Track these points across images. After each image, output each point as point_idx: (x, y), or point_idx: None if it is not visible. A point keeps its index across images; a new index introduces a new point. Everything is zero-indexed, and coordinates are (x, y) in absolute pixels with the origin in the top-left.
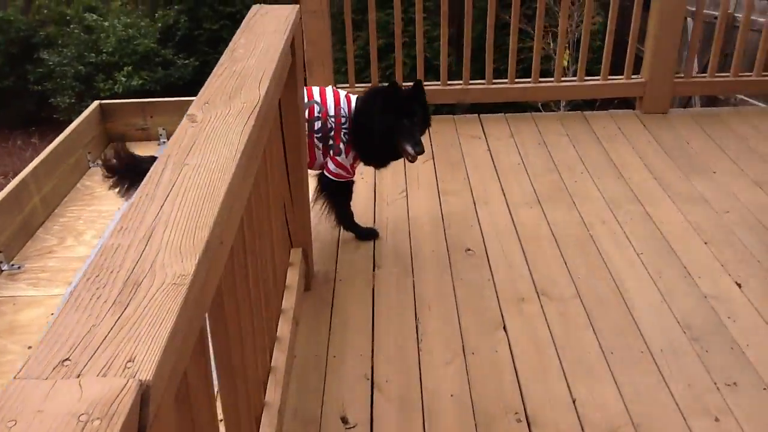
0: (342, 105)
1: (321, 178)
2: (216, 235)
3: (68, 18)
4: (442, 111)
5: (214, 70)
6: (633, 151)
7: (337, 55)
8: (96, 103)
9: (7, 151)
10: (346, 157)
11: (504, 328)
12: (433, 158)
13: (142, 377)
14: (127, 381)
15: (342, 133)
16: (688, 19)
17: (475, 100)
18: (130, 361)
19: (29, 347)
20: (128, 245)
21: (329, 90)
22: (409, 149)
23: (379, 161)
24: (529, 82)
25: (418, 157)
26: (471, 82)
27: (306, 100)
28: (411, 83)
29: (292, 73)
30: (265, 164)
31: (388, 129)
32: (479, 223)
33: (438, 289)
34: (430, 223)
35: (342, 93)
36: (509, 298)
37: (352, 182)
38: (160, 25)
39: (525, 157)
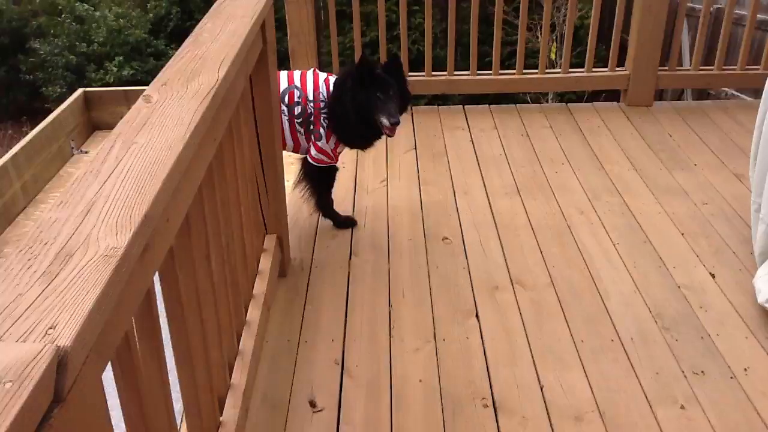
0: (321, 89)
1: (303, 163)
2: (157, 211)
3: (60, 8)
4: (420, 102)
5: (177, 53)
6: (615, 143)
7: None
8: (80, 91)
9: (0, 141)
10: (327, 141)
11: (476, 315)
12: (416, 149)
13: (60, 343)
14: (44, 346)
15: (321, 118)
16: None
17: (459, 91)
18: (51, 328)
19: None
20: (66, 219)
21: (309, 74)
22: (384, 121)
23: (360, 141)
24: (513, 74)
25: (405, 145)
26: (456, 73)
27: (286, 84)
28: None
29: (262, 58)
30: (232, 149)
31: (361, 104)
32: (458, 213)
33: (413, 277)
34: (409, 212)
35: (322, 76)
36: (483, 287)
37: (335, 168)
38: (151, 15)
39: (507, 148)
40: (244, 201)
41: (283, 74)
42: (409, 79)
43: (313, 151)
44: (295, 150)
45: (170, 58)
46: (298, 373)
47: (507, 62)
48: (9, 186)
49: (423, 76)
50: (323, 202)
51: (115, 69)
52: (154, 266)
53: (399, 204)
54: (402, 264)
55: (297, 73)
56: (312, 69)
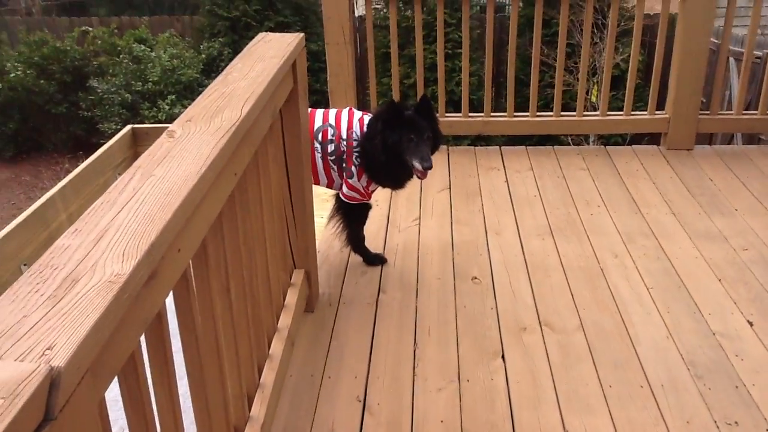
0: (354, 128)
1: (336, 199)
2: (165, 240)
3: (119, 49)
4: (463, 143)
5: (205, 91)
6: (653, 186)
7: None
8: (128, 127)
9: (56, 174)
10: (359, 180)
11: (502, 356)
12: (450, 188)
13: (55, 363)
14: (38, 366)
15: (354, 156)
16: (731, 59)
17: (494, 132)
18: (48, 349)
19: None
20: (78, 246)
21: (344, 112)
22: (417, 165)
23: (391, 181)
24: (551, 116)
25: (439, 185)
26: (492, 114)
27: (321, 122)
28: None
29: (293, 96)
30: (257, 182)
31: (392, 146)
32: (489, 253)
33: (440, 316)
34: (439, 251)
35: (357, 115)
36: (511, 328)
37: (368, 206)
38: (204, 56)
39: (542, 189)
40: (271, 235)
41: (319, 112)
42: (447, 119)
43: (344, 188)
44: (329, 186)
45: None
46: (320, 408)
47: (551, 105)
48: (55, 217)
49: (460, 116)
50: (354, 238)
51: (167, 107)
52: (163, 293)
53: (430, 243)
54: (429, 303)
55: (332, 112)
56: (348, 108)
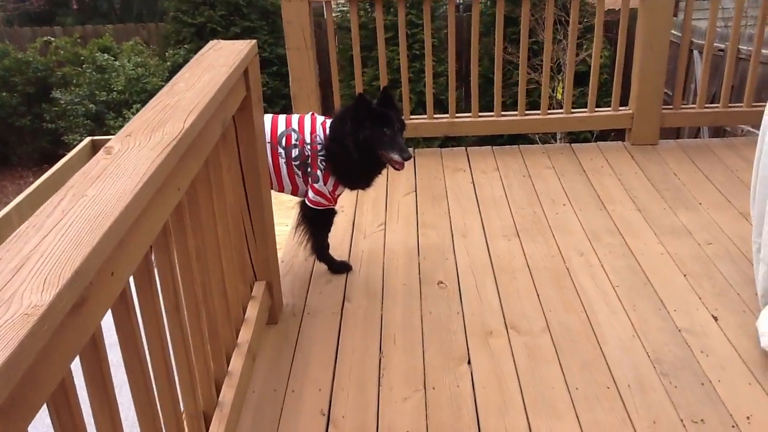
0: (318, 131)
1: (301, 206)
2: (92, 266)
3: (82, 58)
4: (433, 144)
5: (149, 103)
6: (618, 182)
7: (344, 91)
8: (88, 138)
9: (20, 188)
10: (325, 184)
11: (468, 362)
12: (416, 191)
13: None
14: None
15: (319, 160)
16: (695, 51)
17: (460, 132)
18: None
19: None
20: None
21: (307, 117)
22: (396, 156)
23: (361, 180)
24: (515, 115)
25: (405, 188)
26: (458, 115)
27: (284, 128)
28: None
29: (246, 104)
30: (209, 195)
31: (365, 141)
32: (455, 256)
33: (405, 323)
34: (405, 256)
35: (320, 119)
36: (477, 332)
37: (333, 211)
38: (169, 63)
39: (508, 189)
40: (227, 247)
41: (282, 118)
42: (413, 121)
43: (310, 194)
44: (294, 192)
45: None
46: (283, 424)
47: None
48: (11, 232)
49: (425, 118)
50: (319, 247)
51: (132, 116)
52: (96, 317)
53: (396, 248)
54: (395, 309)
55: (295, 117)
56: (310, 113)
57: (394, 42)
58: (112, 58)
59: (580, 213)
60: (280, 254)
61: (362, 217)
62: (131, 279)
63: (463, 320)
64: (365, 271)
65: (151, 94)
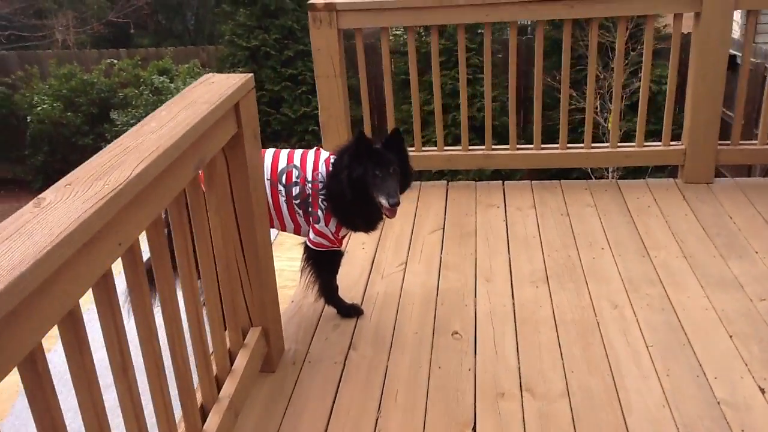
0: (320, 168)
1: (305, 248)
2: None
3: (141, 80)
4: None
5: (109, 146)
6: (665, 225)
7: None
8: None
9: None
10: (327, 225)
11: (473, 428)
12: (444, 228)
13: None
14: None
15: (320, 199)
16: None
17: (497, 166)
18: None
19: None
20: None
21: (311, 153)
22: (383, 201)
23: (361, 223)
24: (557, 148)
25: (433, 224)
26: (494, 147)
27: (285, 164)
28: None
29: (237, 141)
30: (185, 246)
31: (357, 180)
32: (475, 303)
33: (410, 377)
34: (422, 301)
35: (323, 156)
36: (487, 393)
37: (339, 253)
38: None
39: (543, 229)
40: (211, 296)
41: (284, 153)
42: (447, 152)
43: (311, 235)
44: (296, 232)
45: None
46: None
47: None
48: None
49: (460, 150)
50: (326, 289)
51: None
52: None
53: (413, 290)
54: (402, 362)
55: (298, 153)
56: (315, 148)
57: (445, 66)
58: (168, 80)
59: (619, 258)
60: (290, 294)
61: (383, 254)
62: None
63: (474, 378)
64: (377, 316)
65: None
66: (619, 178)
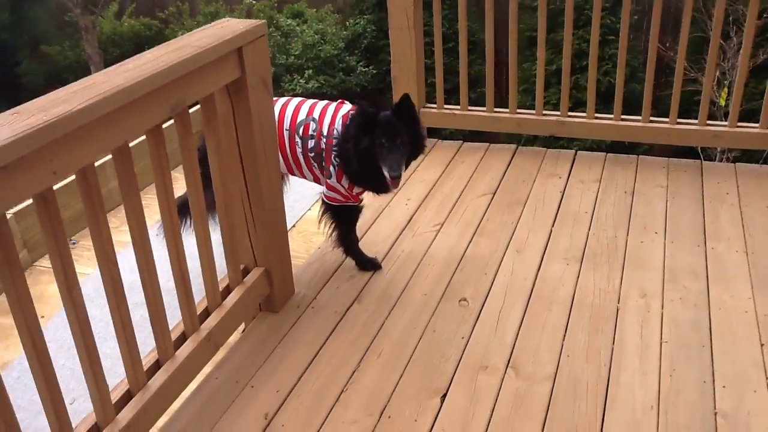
0: (336, 124)
1: (321, 199)
2: None
3: (275, 22)
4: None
5: (80, 80)
6: (738, 216)
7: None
8: None
9: None
10: (338, 181)
11: (443, 396)
12: (495, 193)
13: None
14: None
15: (332, 155)
16: None
17: (570, 134)
18: None
19: (42, 317)
20: None
21: (331, 107)
22: (385, 173)
23: (370, 187)
24: (638, 121)
25: (484, 188)
26: (570, 114)
27: (305, 116)
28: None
29: (241, 87)
30: (162, 181)
31: (363, 151)
32: (496, 273)
33: (401, 338)
34: (443, 264)
35: (344, 110)
36: (471, 363)
37: (356, 208)
38: (348, 32)
39: (599, 205)
40: (201, 233)
41: (307, 104)
42: (518, 115)
43: (325, 189)
44: (316, 181)
45: (358, 74)
46: (224, 418)
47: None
48: (106, 184)
49: (533, 114)
50: (344, 240)
51: (303, 81)
52: None
53: (438, 253)
54: (399, 321)
55: (320, 105)
56: (339, 101)
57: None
58: (294, 24)
59: (669, 246)
60: (321, 241)
61: (423, 213)
62: None
63: (464, 347)
64: (393, 273)
65: (325, 62)
66: (734, 161)
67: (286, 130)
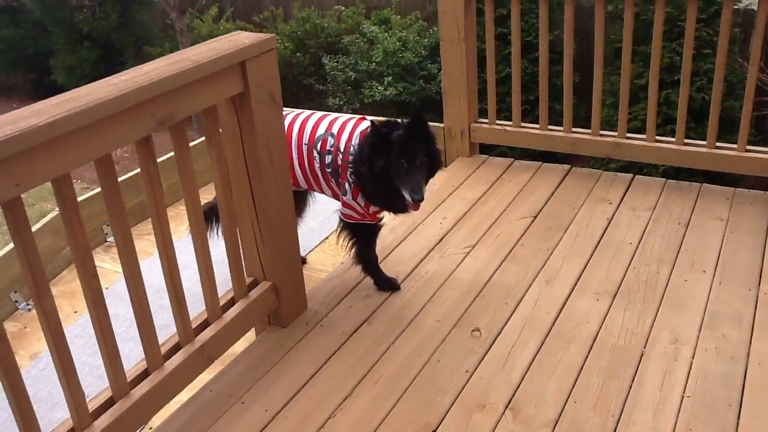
0: (354, 141)
1: (339, 216)
2: None
3: (360, 29)
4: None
5: (72, 91)
6: None
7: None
8: None
9: None
10: (354, 198)
11: None
12: (536, 216)
13: None
14: None
15: (348, 173)
16: None
17: (627, 157)
18: None
19: (75, 311)
20: None
21: (350, 123)
22: (407, 196)
23: (387, 208)
24: (703, 146)
25: (526, 210)
26: (628, 135)
27: (324, 131)
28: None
29: (245, 101)
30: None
31: (379, 172)
32: (518, 304)
33: (403, 365)
34: (465, 290)
35: (362, 126)
36: (468, 401)
37: (373, 227)
38: (430, 41)
39: (647, 236)
40: (200, 246)
41: (328, 119)
42: (573, 135)
43: (341, 206)
44: (335, 197)
45: (438, 82)
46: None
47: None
48: None
49: (588, 134)
50: (361, 258)
51: (381, 88)
52: None
53: (462, 277)
54: (406, 347)
55: (341, 120)
56: (359, 117)
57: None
58: (378, 30)
59: (716, 287)
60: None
61: (456, 233)
62: None
63: (467, 381)
64: (411, 295)
65: (405, 69)
66: None
67: (305, 144)
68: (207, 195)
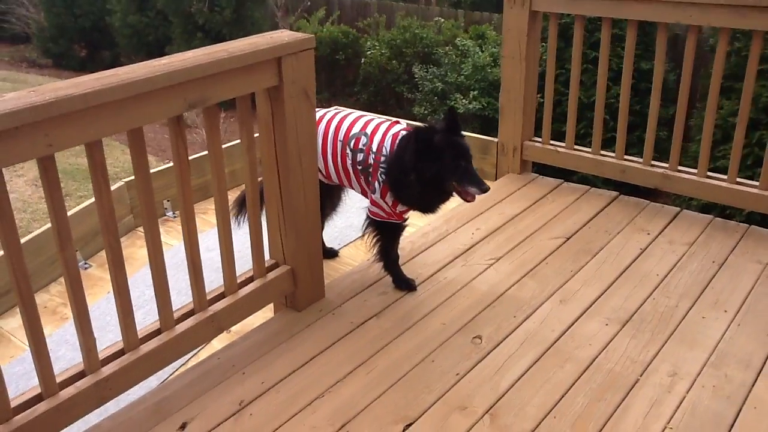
0: (386, 143)
1: (366, 213)
2: None
3: (456, 41)
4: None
5: (117, 68)
6: None
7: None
8: None
9: None
10: (382, 198)
11: (407, 425)
12: (568, 239)
13: None
14: None
15: (379, 172)
16: None
17: (675, 190)
18: None
19: None
20: None
21: (384, 125)
22: (474, 189)
23: (420, 207)
24: (755, 187)
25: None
26: (680, 169)
27: (359, 130)
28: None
29: (278, 95)
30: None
31: (433, 178)
32: (526, 318)
33: (398, 361)
34: (477, 299)
35: (394, 130)
36: (452, 401)
37: (398, 226)
38: None
39: (676, 271)
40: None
41: (363, 119)
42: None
43: (369, 204)
44: (364, 195)
45: None
46: (204, 397)
47: None
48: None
49: (640, 162)
50: (384, 256)
51: (466, 101)
52: None
53: (479, 287)
54: (406, 344)
55: (376, 121)
56: (393, 120)
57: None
58: (470, 44)
59: (734, 328)
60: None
61: (485, 245)
62: None
63: (455, 383)
64: (425, 297)
65: (492, 84)
66: None
67: (340, 141)
68: None
